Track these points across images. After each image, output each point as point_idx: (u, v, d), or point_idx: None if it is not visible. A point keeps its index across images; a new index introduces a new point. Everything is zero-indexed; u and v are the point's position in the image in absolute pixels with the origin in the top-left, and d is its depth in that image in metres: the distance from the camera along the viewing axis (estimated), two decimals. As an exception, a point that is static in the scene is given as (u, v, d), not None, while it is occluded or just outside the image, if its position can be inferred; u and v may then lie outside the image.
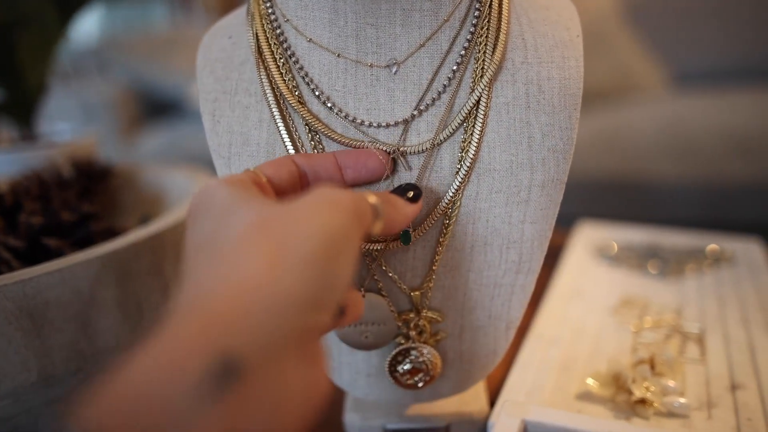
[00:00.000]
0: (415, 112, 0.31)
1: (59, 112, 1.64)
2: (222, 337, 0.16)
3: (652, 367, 0.41)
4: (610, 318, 0.50)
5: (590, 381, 0.39)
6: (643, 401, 0.37)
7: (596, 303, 0.53)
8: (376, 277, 0.33)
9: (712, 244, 0.62)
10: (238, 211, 0.22)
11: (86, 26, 2.52)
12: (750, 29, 1.47)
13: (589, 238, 0.66)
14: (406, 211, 0.28)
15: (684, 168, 1.03)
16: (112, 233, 0.45)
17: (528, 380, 0.41)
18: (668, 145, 1.06)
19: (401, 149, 0.31)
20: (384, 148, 0.31)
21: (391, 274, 0.33)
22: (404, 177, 0.32)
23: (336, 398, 0.42)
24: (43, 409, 0.36)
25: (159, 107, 1.83)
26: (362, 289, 0.33)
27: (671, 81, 1.52)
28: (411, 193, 0.29)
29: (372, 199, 0.25)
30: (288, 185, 0.28)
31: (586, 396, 0.39)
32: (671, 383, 0.38)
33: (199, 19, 2.59)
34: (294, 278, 0.19)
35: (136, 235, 0.40)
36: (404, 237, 0.32)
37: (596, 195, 1.09)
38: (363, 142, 0.31)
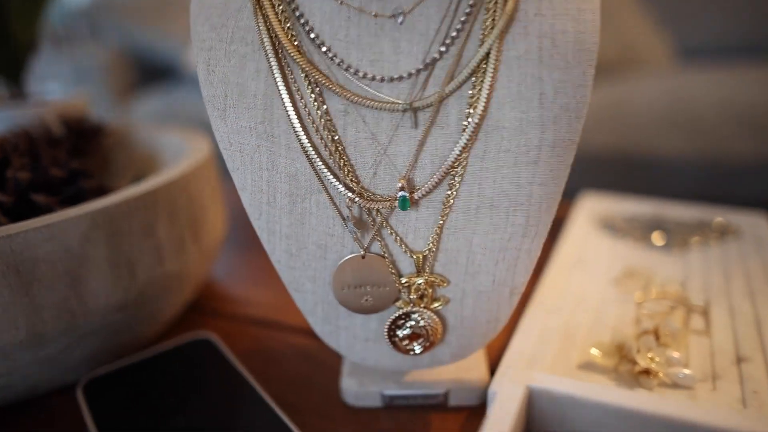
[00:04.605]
0: (421, 67, 0.30)
1: (51, 75, 1.60)
2: None
3: (657, 338, 0.40)
4: (612, 289, 0.49)
5: (594, 350, 0.39)
6: (647, 372, 0.36)
7: (599, 274, 0.52)
8: (377, 238, 0.32)
9: (719, 218, 0.60)
10: None
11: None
12: (756, 5, 1.45)
13: (592, 209, 0.65)
14: None
15: (688, 143, 1.01)
16: (103, 191, 0.43)
17: (529, 349, 0.40)
18: (673, 119, 1.05)
19: (414, 104, 0.29)
20: (391, 105, 0.29)
21: (392, 235, 0.32)
22: (409, 134, 0.30)
23: (333, 363, 0.42)
24: (32, 367, 0.35)
25: (153, 72, 1.80)
26: (364, 250, 0.32)
27: (676, 55, 1.49)
28: None
29: None
30: None
31: (588, 366, 0.38)
32: (675, 354, 0.38)
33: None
34: None
35: (128, 192, 0.39)
36: (402, 203, 0.30)
37: (599, 168, 1.07)
38: (365, 98, 0.30)
